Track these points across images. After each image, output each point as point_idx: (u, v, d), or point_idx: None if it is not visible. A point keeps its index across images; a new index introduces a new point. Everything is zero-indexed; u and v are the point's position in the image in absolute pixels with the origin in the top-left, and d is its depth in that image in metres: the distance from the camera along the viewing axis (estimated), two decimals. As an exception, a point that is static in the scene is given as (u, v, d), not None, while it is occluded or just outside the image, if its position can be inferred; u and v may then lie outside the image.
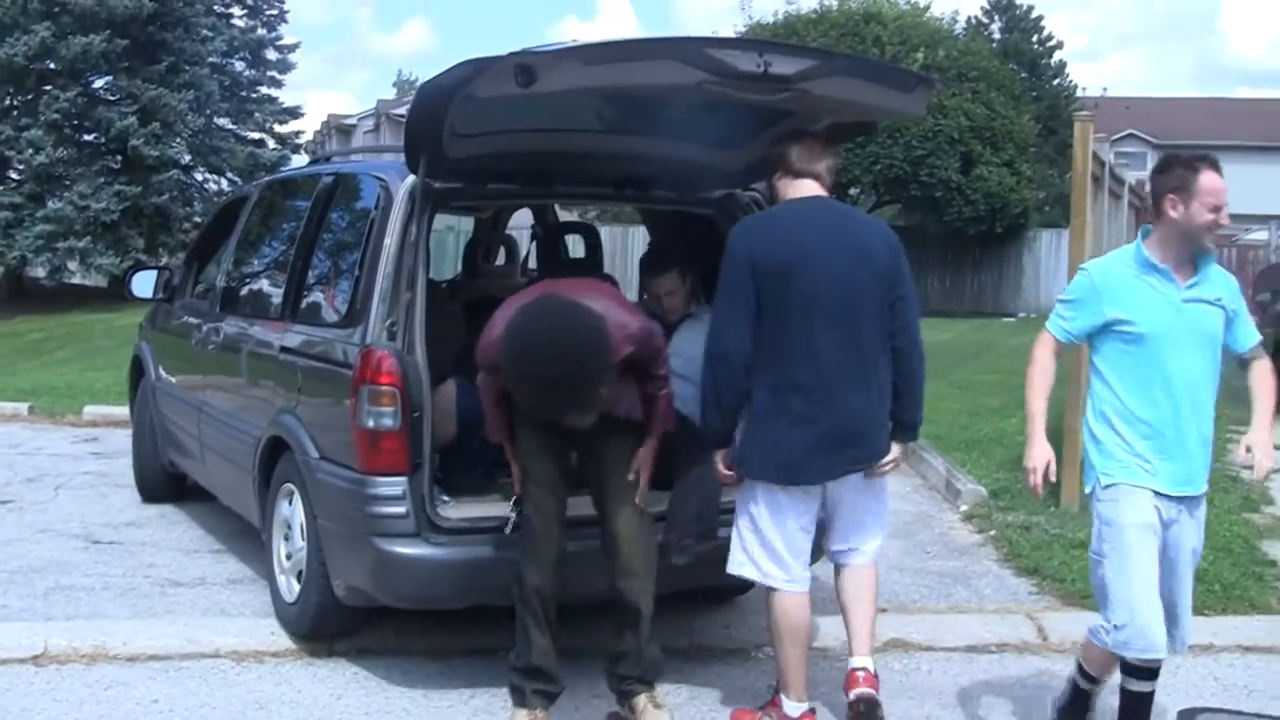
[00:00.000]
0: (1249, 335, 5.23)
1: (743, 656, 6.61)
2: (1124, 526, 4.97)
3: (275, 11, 35.49)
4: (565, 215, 10.31)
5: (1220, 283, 5.14)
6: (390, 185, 6.33)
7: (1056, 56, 57.59)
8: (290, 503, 6.63)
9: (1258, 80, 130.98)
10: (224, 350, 7.92)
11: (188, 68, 31.55)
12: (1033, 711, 6.03)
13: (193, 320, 8.69)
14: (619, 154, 6.60)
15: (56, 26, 29.62)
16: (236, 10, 35.15)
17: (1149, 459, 5.00)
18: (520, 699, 5.57)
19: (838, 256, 5.36)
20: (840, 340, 5.32)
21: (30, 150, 29.69)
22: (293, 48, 36.00)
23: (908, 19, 35.97)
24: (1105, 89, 65.27)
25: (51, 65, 30.54)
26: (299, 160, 34.00)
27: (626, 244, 28.35)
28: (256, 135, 34.92)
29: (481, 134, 6.01)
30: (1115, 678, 5.26)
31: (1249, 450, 5.07)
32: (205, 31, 32.65)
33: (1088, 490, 5.21)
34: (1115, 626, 4.98)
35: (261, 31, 35.16)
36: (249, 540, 7.85)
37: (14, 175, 31.21)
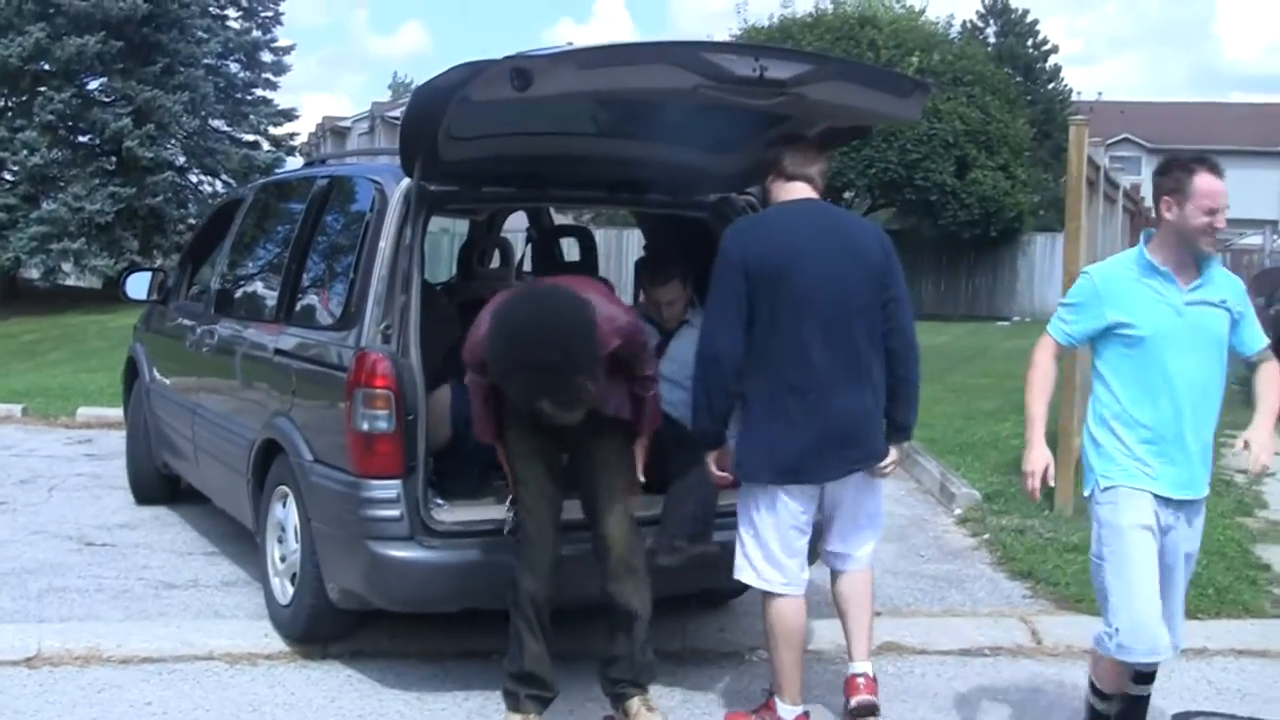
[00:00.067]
0: (1256, 338, 5.19)
1: (737, 659, 6.61)
2: (1123, 529, 4.95)
3: (270, 13, 35.42)
4: (560, 218, 10.30)
5: (1225, 285, 5.11)
6: (385, 188, 6.33)
7: (1051, 61, 57.68)
8: (284, 505, 6.62)
9: (1252, 85, 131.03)
10: (218, 352, 7.91)
11: (183, 69, 31.51)
12: (1026, 715, 6.04)
13: (187, 322, 8.68)
14: (614, 157, 6.61)
15: (51, 28, 29.57)
16: (232, 12, 35.08)
17: (1149, 462, 4.98)
18: (514, 703, 5.57)
19: (830, 258, 5.37)
20: (834, 341, 5.34)
21: (25, 151, 29.64)
22: (288, 50, 35.95)
23: (903, 23, 36.04)
24: (1100, 93, 65.24)
25: (46, 66, 30.46)
26: (294, 162, 33.99)
27: (621, 247, 28.32)
28: (251, 137, 34.86)
29: (477, 137, 6.02)
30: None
31: (1246, 445, 5.03)
32: (200, 33, 32.59)
33: (1086, 493, 5.18)
34: (1116, 629, 4.95)
35: (257, 33, 35.09)
36: (243, 542, 7.85)
37: (8, 176, 31.14)
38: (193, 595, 7.40)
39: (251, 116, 34.59)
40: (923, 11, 39.43)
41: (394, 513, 5.82)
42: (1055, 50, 58.13)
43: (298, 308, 7.08)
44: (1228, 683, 6.50)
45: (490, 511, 5.97)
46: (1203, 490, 5.11)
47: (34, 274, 32.11)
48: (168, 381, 9.07)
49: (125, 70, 30.58)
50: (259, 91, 35.32)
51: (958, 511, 9.84)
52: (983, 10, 58.48)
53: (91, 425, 13.33)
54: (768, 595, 5.51)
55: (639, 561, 5.61)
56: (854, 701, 5.63)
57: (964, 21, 54.91)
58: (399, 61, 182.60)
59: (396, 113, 46.30)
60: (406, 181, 6.13)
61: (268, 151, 34.26)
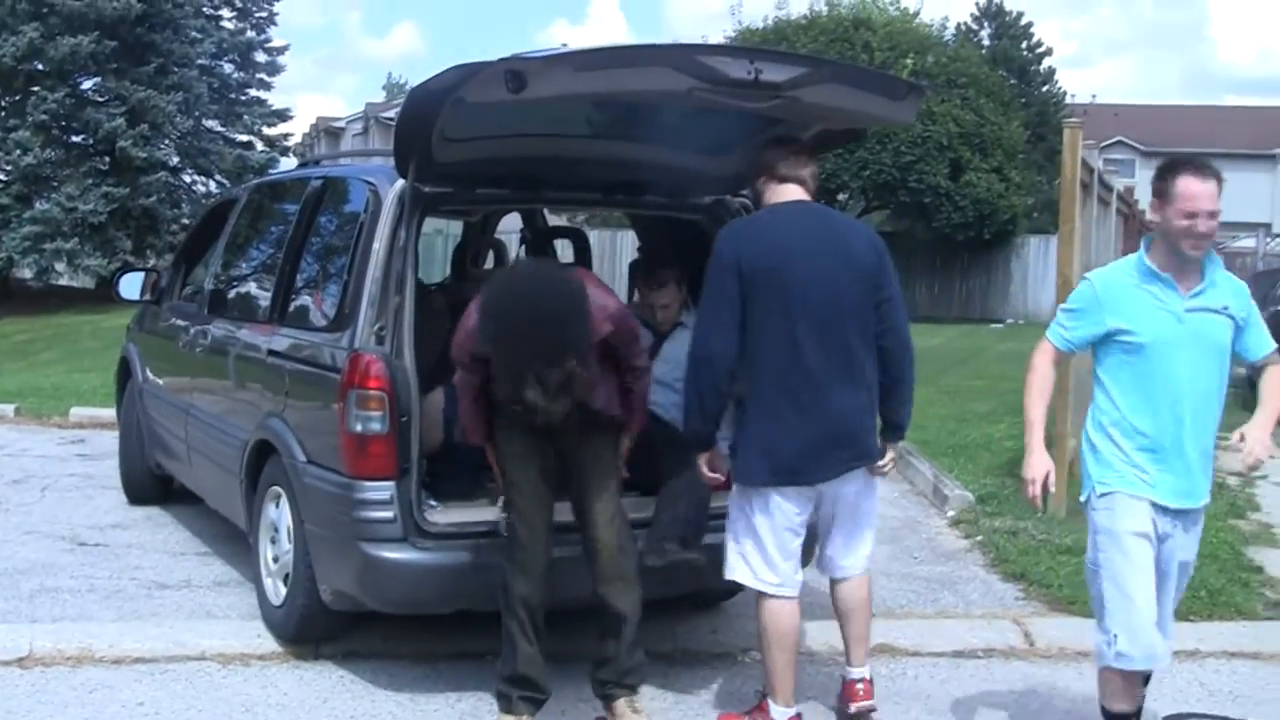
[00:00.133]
0: (1262, 343, 5.14)
1: (729, 661, 6.61)
2: (1120, 535, 4.94)
3: (265, 14, 35.37)
4: (554, 220, 10.30)
5: (1228, 290, 5.07)
6: (379, 189, 6.33)
7: (1046, 63, 57.70)
8: (277, 506, 6.62)
9: (1246, 88, 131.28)
10: (211, 353, 7.90)
11: (176, 69, 31.46)
12: (1019, 717, 6.04)
13: (180, 322, 8.67)
14: (609, 159, 6.61)
15: (45, 27, 29.53)
16: (226, 12, 35.03)
17: (1147, 470, 4.96)
18: (507, 705, 5.57)
19: (823, 259, 5.39)
20: (828, 342, 5.35)
21: (18, 151, 29.58)
22: (282, 50, 35.91)
23: (897, 25, 36.05)
24: (1094, 96, 65.20)
25: (39, 66, 30.43)
26: (288, 163, 33.94)
27: (615, 248, 28.33)
28: (245, 137, 34.82)
29: (471, 139, 6.02)
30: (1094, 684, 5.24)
31: (1243, 439, 4.98)
32: (194, 33, 32.54)
33: (1083, 499, 5.17)
34: (1115, 636, 4.93)
35: (251, 34, 35.04)
36: (235, 543, 7.85)
37: (1, 176, 31.09)
38: (185, 595, 7.40)
39: (245, 117, 34.55)
40: (917, 14, 39.48)
41: (387, 514, 5.82)
42: (1050, 53, 58.23)
43: (291, 309, 7.08)
44: (1220, 684, 6.51)
45: (483, 513, 5.97)
46: (1201, 499, 5.08)
47: (27, 274, 32.02)
48: (161, 382, 9.07)
49: (119, 70, 30.54)
50: (253, 92, 35.29)
51: (951, 513, 9.84)
52: (977, 13, 58.54)
53: (84, 425, 13.33)
54: (762, 596, 5.51)
55: (629, 564, 5.62)
56: (854, 707, 5.72)
57: (958, 24, 54.94)
58: (393, 62, 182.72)
59: (391, 114, 46.28)
60: (401, 183, 6.13)
61: (262, 152, 34.21)
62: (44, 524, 8.98)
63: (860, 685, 5.74)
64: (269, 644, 6.53)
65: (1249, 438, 4.96)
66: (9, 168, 30.45)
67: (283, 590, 6.54)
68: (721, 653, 6.70)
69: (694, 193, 6.91)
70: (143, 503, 9.53)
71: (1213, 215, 4.91)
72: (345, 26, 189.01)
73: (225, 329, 7.82)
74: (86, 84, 31.61)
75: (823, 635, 6.58)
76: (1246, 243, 35.65)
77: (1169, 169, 4.99)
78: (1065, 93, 57.23)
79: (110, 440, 10.94)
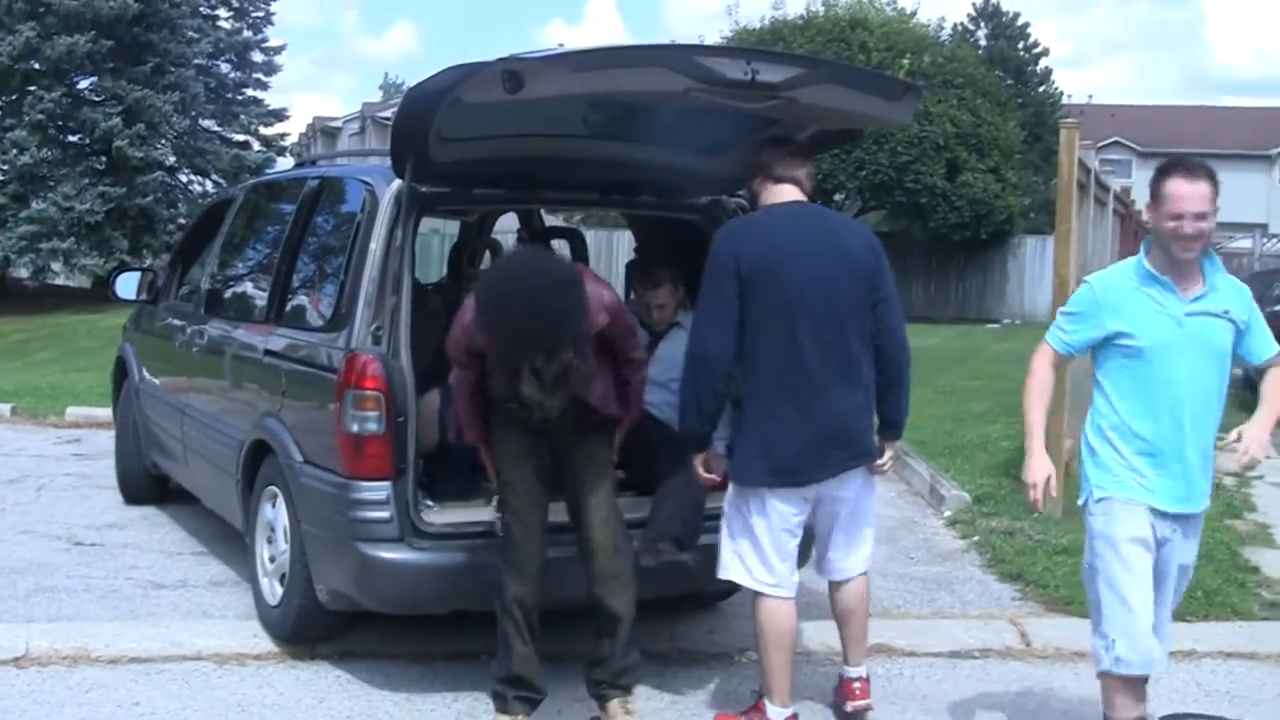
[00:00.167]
0: (1266, 347, 5.09)
1: (726, 661, 6.61)
2: (1116, 541, 4.91)
3: (261, 14, 35.36)
4: (551, 220, 10.31)
5: (1229, 294, 5.03)
6: (376, 189, 6.32)
7: (1042, 63, 57.72)
8: (273, 506, 6.61)
9: (1243, 89, 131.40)
10: (208, 353, 7.90)
11: (173, 69, 31.43)
12: (1015, 717, 6.04)
13: (177, 322, 8.67)
14: (606, 159, 6.61)
15: (41, 27, 29.49)
16: (223, 12, 35.02)
17: (1145, 474, 4.92)
18: (502, 705, 5.57)
19: (820, 259, 5.39)
20: (825, 341, 5.36)
21: (14, 151, 29.55)
22: (279, 50, 35.90)
23: (894, 25, 36.06)
24: (1091, 96, 65.30)
25: (36, 65, 30.38)
26: (284, 163, 33.95)
27: (611, 248, 28.35)
28: (242, 137, 34.80)
29: (468, 139, 6.01)
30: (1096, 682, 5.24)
31: (1239, 438, 4.92)
32: (191, 33, 32.53)
33: (1080, 503, 5.13)
34: (1112, 641, 4.90)
35: (247, 33, 35.02)
36: (232, 543, 7.84)
37: (-3, 176, 31.12)
38: (181, 595, 7.39)
39: (242, 116, 34.54)
40: (914, 14, 39.44)
41: (383, 514, 5.82)
42: (1046, 53, 58.37)
43: (288, 308, 7.07)
44: (1216, 685, 6.51)
45: (480, 513, 5.97)
46: (1201, 504, 5.05)
47: (23, 273, 32.01)
48: (157, 381, 9.06)
49: (115, 70, 30.52)
50: (249, 91, 35.29)
51: (947, 513, 9.85)
52: (974, 13, 58.55)
53: (80, 425, 13.32)
54: (758, 596, 5.51)
55: (623, 564, 5.62)
56: (851, 706, 5.78)
57: (955, 24, 55.02)
58: (390, 62, 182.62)
59: (387, 113, 46.25)
60: (397, 183, 6.13)
61: (258, 152, 34.20)
62: (40, 523, 8.97)
63: (858, 684, 5.80)
64: (265, 644, 6.53)
65: (1246, 437, 4.91)
66: (5, 167, 30.41)
67: (279, 590, 6.54)
68: (718, 653, 6.70)
69: (691, 193, 6.91)
70: (139, 502, 9.52)
71: (1200, 217, 4.85)
72: (342, 26, 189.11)
73: (222, 329, 7.82)
74: (83, 83, 31.60)
75: (819, 635, 6.58)
76: (1243, 243, 35.69)
77: (1161, 171, 4.97)
78: (1062, 93, 57.27)
79: (106, 440, 10.94)
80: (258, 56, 35.24)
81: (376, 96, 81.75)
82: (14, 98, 30.68)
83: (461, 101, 5.40)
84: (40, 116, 29.80)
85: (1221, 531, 9.09)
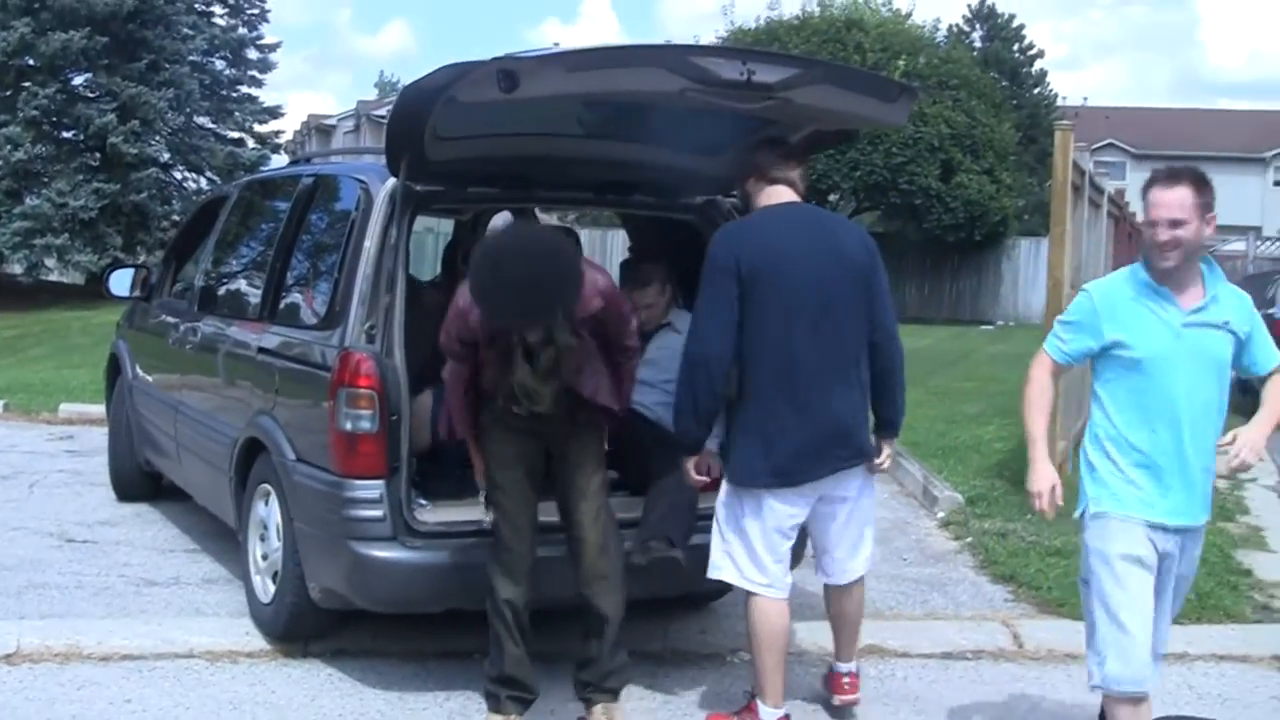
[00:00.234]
0: (1269, 357, 5.00)
1: (718, 661, 6.61)
2: (1110, 557, 4.82)
3: (256, 11, 35.34)
4: (545, 219, 10.29)
5: (1230, 305, 4.92)
6: (370, 187, 6.32)
7: (1037, 65, 57.87)
8: (266, 504, 6.61)
9: (1236, 92, 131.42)
10: (201, 350, 7.89)
11: (168, 66, 31.40)
12: (1008, 718, 6.04)
13: (170, 319, 8.66)
14: (601, 159, 6.61)
15: (36, 23, 29.46)
16: (218, 9, 34.97)
17: (1143, 487, 4.83)
18: (495, 704, 5.57)
19: (818, 259, 5.41)
20: (823, 341, 5.37)
21: (8, 147, 29.49)
22: (273, 47, 35.88)
23: (889, 26, 36.09)
24: (1085, 98, 65.41)
25: (30, 61, 30.33)
26: (279, 160, 33.92)
27: (606, 247, 28.35)
28: (236, 134, 34.76)
29: (463, 137, 6.01)
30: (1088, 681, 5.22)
31: (1234, 439, 4.80)
32: (186, 30, 32.49)
33: (1076, 515, 5.05)
34: (1103, 659, 4.84)
35: (242, 30, 35.01)
36: (224, 540, 7.83)
37: (-9, 172, 31.08)
38: (174, 593, 7.39)
39: (236, 114, 34.52)
40: (909, 15, 39.50)
41: (376, 513, 5.81)
42: (1041, 55, 58.50)
43: (282, 306, 7.07)
44: (1208, 687, 6.52)
45: (473, 513, 5.95)
46: (1201, 517, 4.96)
47: (17, 269, 31.98)
48: (150, 378, 9.05)
49: (110, 66, 30.49)
50: (244, 89, 35.26)
51: (940, 515, 9.85)
52: (969, 15, 58.70)
53: (73, 421, 13.30)
54: (751, 596, 5.51)
55: (613, 565, 5.60)
56: (839, 700, 5.88)
57: (950, 25, 55.08)
58: (385, 60, 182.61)
59: (382, 111, 46.25)
60: (392, 181, 6.12)
61: (253, 149, 34.18)
62: (32, 520, 8.96)
63: (847, 679, 5.89)
64: (257, 642, 6.52)
65: (1241, 439, 4.80)
66: (-1, 163, 30.41)
67: (271, 588, 6.53)
68: (710, 653, 6.69)
69: (686, 193, 6.91)
70: (131, 499, 9.51)
71: (1175, 224, 4.75)
72: (337, 24, 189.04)
73: (215, 326, 7.81)
74: (78, 80, 31.56)
75: (812, 636, 6.59)
76: (1236, 246, 35.66)
77: (1148, 179, 4.91)
78: (1056, 95, 57.41)
79: (99, 437, 10.92)
80: (252, 54, 35.23)
81: (371, 94, 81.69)
82: (8, 93, 30.65)
83: (457, 100, 5.40)
84: (35, 112, 29.76)
85: (1214, 534, 9.08)
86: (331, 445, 5.92)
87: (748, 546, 5.47)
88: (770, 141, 5.82)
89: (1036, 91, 56.33)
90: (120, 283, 9.51)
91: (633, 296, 6.75)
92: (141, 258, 29.17)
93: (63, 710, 5.68)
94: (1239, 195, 51.50)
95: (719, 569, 5.58)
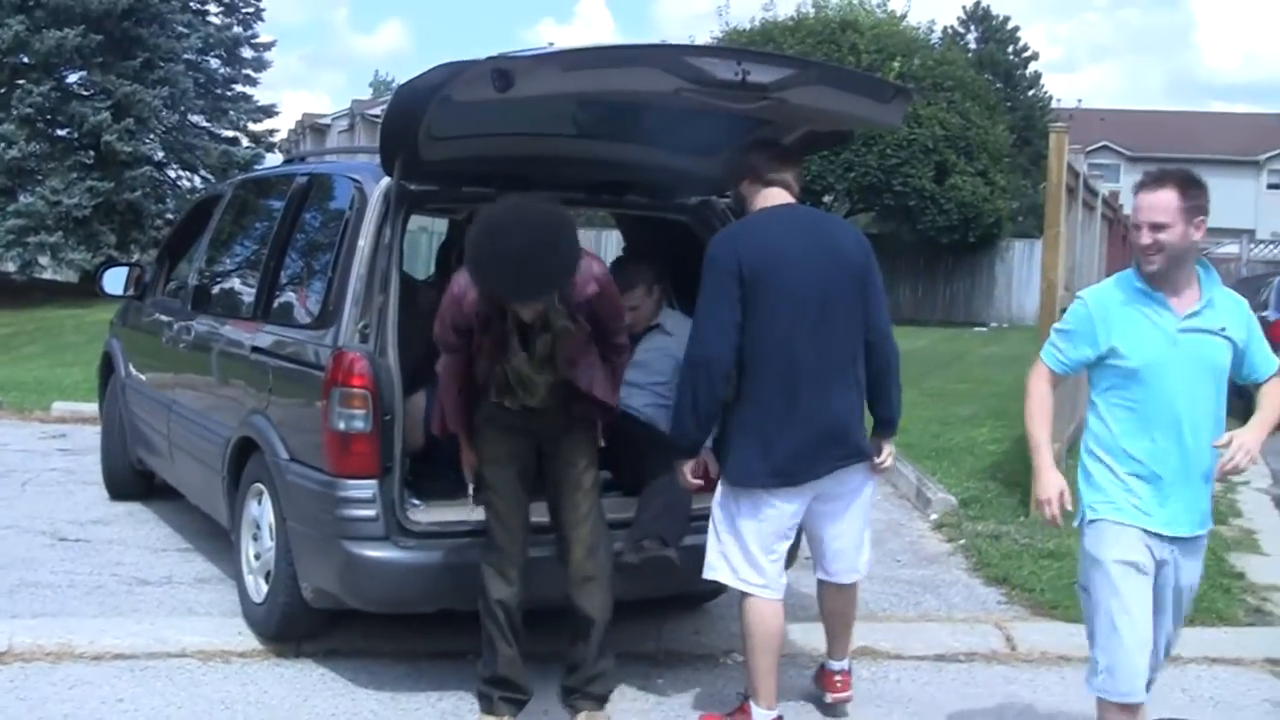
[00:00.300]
0: (1267, 364, 4.93)
1: (711, 662, 6.60)
2: (1106, 565, 4.77)
3: (251, 9, 35.34)
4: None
5: (1227, 310, 4.86)
6: (365, 186, 6.32)
7: (1032, 67, 57.92)
8: (259, 503, 6.60)
9: (1231, 94, 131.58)
10: (195, 349, 7.88)
11: (162, 64, 31.40)
12: (1000, 721, 6.05)
13: (164, 318, 8.65)
14: (595, 159, 6.61)
15: (30, 20, 29.44)
16: (213, 7, 34.97)
17: (1140, 496, 4.77)
18: (488, 705, 5.57)
19: (816, 260, 5.42)
20: (821, 341, 5.39)
21: (2, 144, 29.48)
22: (269, 46, 35.88)
23: (884, 27, 36.07)
24: (1080, 100, 65.49)
25: (25, 59, 30.32)
26: (273, 159, 33.89)
27: (600, 247, 28.34)
28: (231, 133, 34.77)
29: (457, 137, 6.01)
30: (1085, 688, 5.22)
31: (1230, 441, 4.71)
32: (181, 28, 32.48)
33: (1075, 523, 4.99)
34: (1099, 665, 4.81)
35: (237, 29, 35.01)
36: (217, 540, 7.82)
37: (-15, 169, 31.05)
38: (166, 592, 7.38)
39: (231, 112, 34.52)
40: (904, 16, 39.50)
41: (369, 513, 5.80)
42: (1035, 57, 58.45)
43: (275, 305, 7.06)
44: (1201, 690, 6.52)
45: (466, 513, 5.95)
46: (1200, 527, 4.90)
47: (10, 267, 31.95)
48: (143, 377, 9.04)
49: (105, 64, 30.49)
50: (239, 87, 35.28)
51: (933, 517, 9.85)
52: (964, 16, 58.70)
53: (66, 420, 13.29)
54: (746, 597, 5.51)
55: (601, 566, 5.59)
56: (832, 697, 5.92)
57: (945, 27, 55.03)
58: (380, 60, 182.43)
59: (377, 111, 46.21)
60: (386, 180, 6.12)
61: (247, 148, 34.19)
62: (24, 518, 8.95)
63: (839, 677, 5.92)
64: (250, 641, 6.51)
65: (1236, 441, 4.71)
66: (-7, 161, 30.38)
67: (264, 588, 6.52)
68: (704, 654, 6.69)
69: (680, 193, 6.90)
70: (124, 498, 9.50)
71: (1157, 228, 4.68)
72: (332, 23, 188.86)
73: (209, 325, 7.80)
74: (72, 77, 31.56)
75: (805, 638, 6.58)
76: (1230, 249, 35.69)
77: (1137, 181, 4.88)
78: (1051, 97, 57.46)
79: (92, 435, 10.91)
80: (247, 52, 35.22)
81: (366, 94, 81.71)
82: (2, 91, 30.65)
83: (451, 100, 5.39)
84: (29, 110, 29.76)
85: (1207, 537, 9.09)
86: (325, 445, 5.91)
87: (743, 547, 5.47)
88: (764, 143, 5.83)
89: (1031, 94, 56.37)
90: (114, 281, 9.51)
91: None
92: (135, 256, 29.13)
93: (54, 710, 5.67)
94: (1233, 198, 51.52)
95: (714, 570, 5.58)
